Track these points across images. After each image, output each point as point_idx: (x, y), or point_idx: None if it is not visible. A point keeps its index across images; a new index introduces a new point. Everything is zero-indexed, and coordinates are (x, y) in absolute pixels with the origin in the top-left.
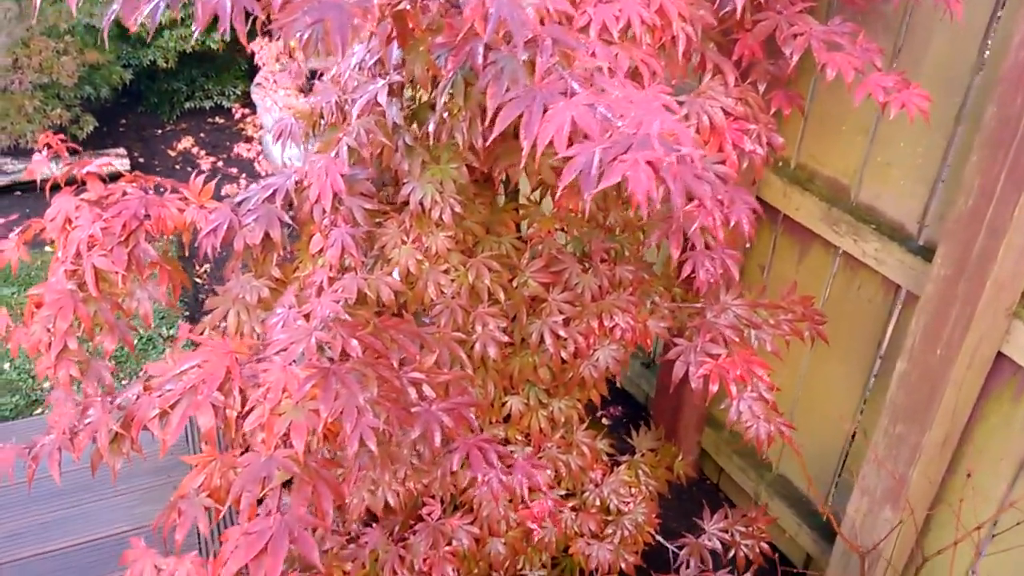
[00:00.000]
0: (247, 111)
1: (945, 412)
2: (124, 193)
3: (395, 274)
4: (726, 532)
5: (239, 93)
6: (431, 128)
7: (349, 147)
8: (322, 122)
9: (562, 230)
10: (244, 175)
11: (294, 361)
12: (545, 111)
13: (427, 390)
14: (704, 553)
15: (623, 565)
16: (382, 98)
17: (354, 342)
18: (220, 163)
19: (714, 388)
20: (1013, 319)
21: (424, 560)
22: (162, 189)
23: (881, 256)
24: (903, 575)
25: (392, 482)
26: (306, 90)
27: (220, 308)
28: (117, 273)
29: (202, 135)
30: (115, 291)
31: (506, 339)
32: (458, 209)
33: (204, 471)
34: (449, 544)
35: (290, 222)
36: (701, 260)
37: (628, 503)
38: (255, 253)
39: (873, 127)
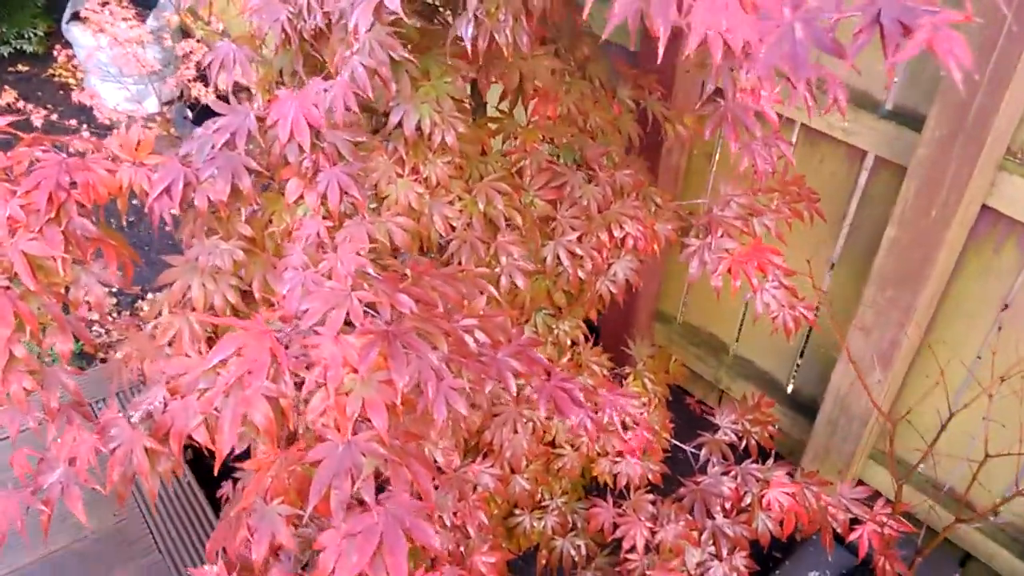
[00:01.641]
0: (70, 51)
1: (938, 273)
2: (34, 160)
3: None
4: (737, 424)
5: (40, 34)
6: (468, 31)
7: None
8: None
9: (549, 141)
10: (87, 125)
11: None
12: None
13: (480, 335)
14: (724, 448)
15: (650, 476)
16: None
17: (403, 297)
18: (56, 116)
19: (737, 284)
20: (998, 171)
21: (455, 514)
22: (74, 152)
23: (851, 127)
24: (882, 432)
25: (440, 441)
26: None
27: (181, 280)
28: (54, 259)
29: (6, 88)
30: (56, 280)
31: (532, 267)
32: (462, 129)
33: (269, 473)
34: (475, 491)
35: (259, 168)
36: (757, 149)
37: (642, 413)
38: (219, 211)
39: None
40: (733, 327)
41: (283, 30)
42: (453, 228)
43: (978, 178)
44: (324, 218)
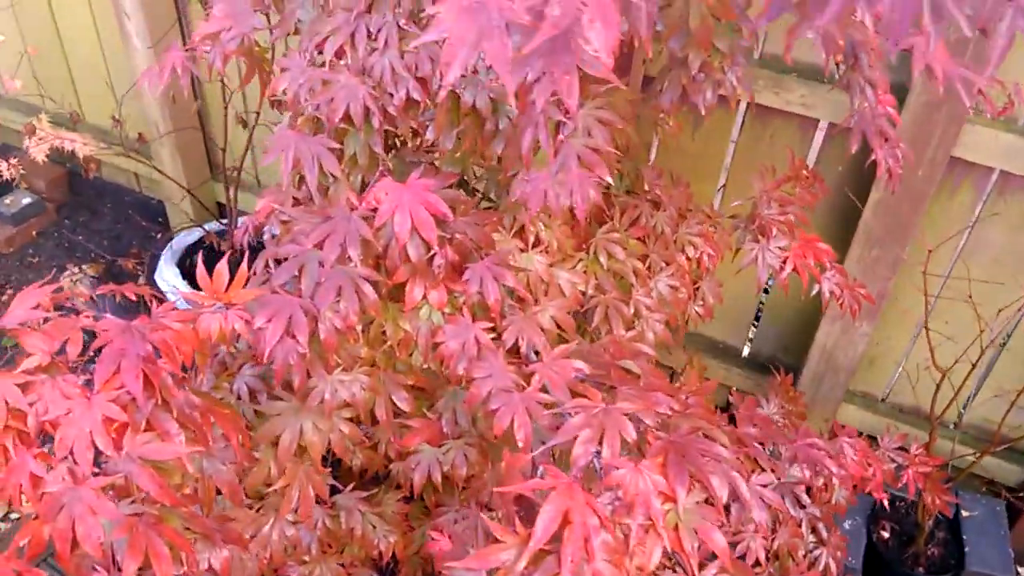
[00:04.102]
0: None
1: (922, 227)
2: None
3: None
4: None
5: None
6: None
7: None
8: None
9: None
10: None
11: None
12: None
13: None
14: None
15: None
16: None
17: (659, 396)
18: None
19: (805, 280)
20: (963, 123)
21: None
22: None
23: (809, 101)
24: (857, 372)
25: None
26: None
27: (289, 430)
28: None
29: None
30: (177, 482)
31: (665, 315)
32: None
33: None
34: None
35: (379, 279)
36: (890, 152)
37: None
38: (348, 337)
39: None
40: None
41: (364, 107)
42: (584, 294)
43: (965, 135)
44: (449, 315)
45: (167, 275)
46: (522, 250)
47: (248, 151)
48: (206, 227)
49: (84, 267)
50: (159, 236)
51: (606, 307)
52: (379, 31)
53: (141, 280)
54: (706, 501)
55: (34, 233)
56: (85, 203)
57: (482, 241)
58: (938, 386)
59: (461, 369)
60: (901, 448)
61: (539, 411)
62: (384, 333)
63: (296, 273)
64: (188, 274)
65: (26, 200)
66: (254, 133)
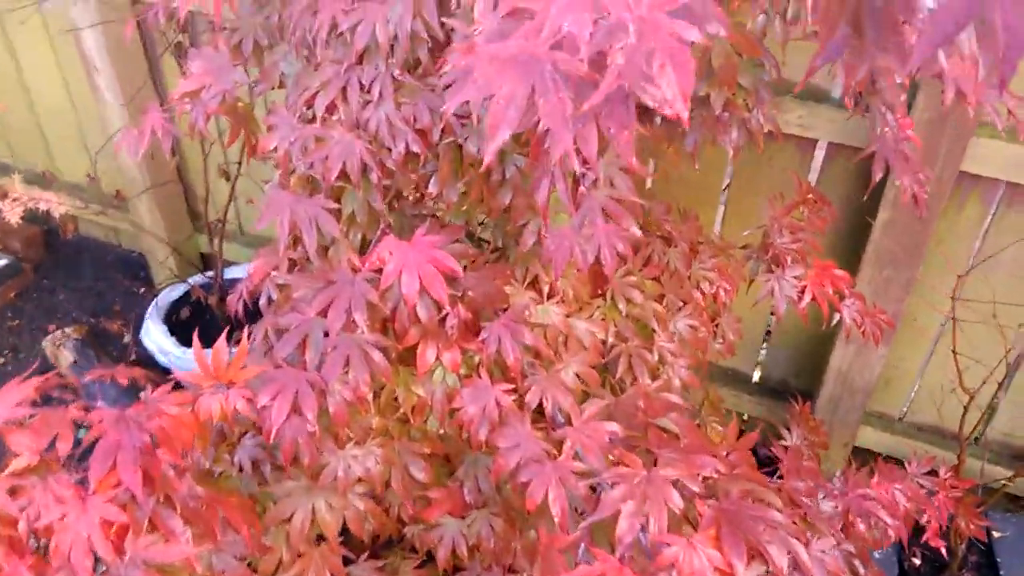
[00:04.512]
0: None
1: (932, 244)
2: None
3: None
4: None
5: None
6: None
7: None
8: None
9: None
10: None
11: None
12: None
13: None
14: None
15: None
16: None
17: (706, 459)
18: None
19: (825, 310)
20: (970, 137)
21: None
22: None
23: (807, 122)
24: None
25: None
26: None
27: (301, 510)
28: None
29: None
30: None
31: (691, 361)
32: None
33: None
34: None
35: (389, 344)
36: (913, 177)
37: None
38: (360, 408)
39: None
40: None
41: (362, 163)
42: (604, 343)
43: (971, 148)
44: (464, 376)
45: (154, 334)
46: (536, 301)
47: (231, 202)
48: (191, 281)
49: (67, 330)
50: (142, 291)
51: (629, 356)
52: (372, 83)
53: (127, 339)
54: (766, 572)
55: (12, 295)
56: (63, 261)
57: (495, 296)
58: (966, 408)
59: (483, 435)
60: (931, 472)
61: (574, 481)
62: (396, 399)
63: (299, 343)
64: (175, 330)
65: (2, 261)
66: (237, 182)
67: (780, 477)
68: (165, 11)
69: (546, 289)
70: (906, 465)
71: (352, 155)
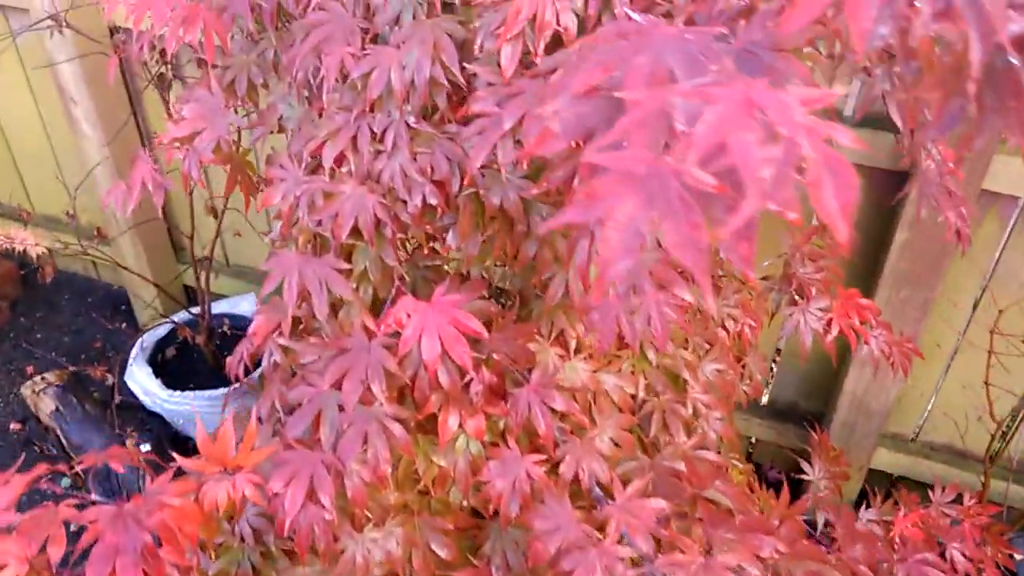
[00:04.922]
0: None
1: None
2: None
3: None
4: None
5: None
6: None
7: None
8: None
9: None
10: None
11: None
12: None
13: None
14: None
15: None
16: None
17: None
18: None
19: (853, 343)
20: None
21: None
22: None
23: None
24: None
25: None
26: None
27: None
28: None
29: None
30: None
31: (721, 423)
32: None
33: None
34: None
35: (407, 416)
36: (958, 212)
37: None
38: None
39: None
40: None
41: (375, 218)
42: (633, 398)
43: (994, 166)
44: (490, 444)
45: (139, 376)
46: (563, 357)
47: (218, 237)
48: (177, 319)
49: (47, 376)
50: (124, 326)
51: (663, 412)
52: (385, 131)
53: (110, 380)
54: None
55: None
56: (41, 297)
57: (520, 357)
58: (993, 437)
59: (514, 511)
60: (955, 500)
61: (622, 570)
62: (415, 470)
63: (311, 420)
64: (161, 371)
65: None
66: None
67: (833, 540)
68: (149, 43)
69: (572, 344)
70: (930, 494)
71: (365, 211)
